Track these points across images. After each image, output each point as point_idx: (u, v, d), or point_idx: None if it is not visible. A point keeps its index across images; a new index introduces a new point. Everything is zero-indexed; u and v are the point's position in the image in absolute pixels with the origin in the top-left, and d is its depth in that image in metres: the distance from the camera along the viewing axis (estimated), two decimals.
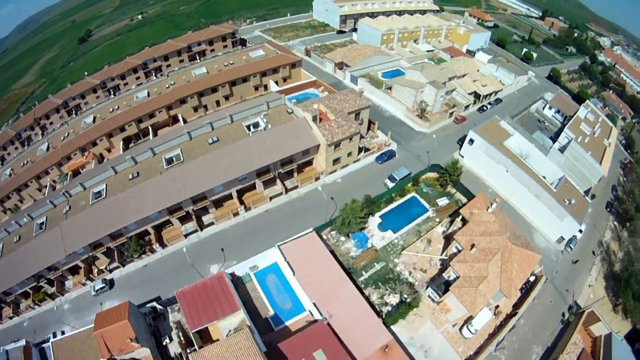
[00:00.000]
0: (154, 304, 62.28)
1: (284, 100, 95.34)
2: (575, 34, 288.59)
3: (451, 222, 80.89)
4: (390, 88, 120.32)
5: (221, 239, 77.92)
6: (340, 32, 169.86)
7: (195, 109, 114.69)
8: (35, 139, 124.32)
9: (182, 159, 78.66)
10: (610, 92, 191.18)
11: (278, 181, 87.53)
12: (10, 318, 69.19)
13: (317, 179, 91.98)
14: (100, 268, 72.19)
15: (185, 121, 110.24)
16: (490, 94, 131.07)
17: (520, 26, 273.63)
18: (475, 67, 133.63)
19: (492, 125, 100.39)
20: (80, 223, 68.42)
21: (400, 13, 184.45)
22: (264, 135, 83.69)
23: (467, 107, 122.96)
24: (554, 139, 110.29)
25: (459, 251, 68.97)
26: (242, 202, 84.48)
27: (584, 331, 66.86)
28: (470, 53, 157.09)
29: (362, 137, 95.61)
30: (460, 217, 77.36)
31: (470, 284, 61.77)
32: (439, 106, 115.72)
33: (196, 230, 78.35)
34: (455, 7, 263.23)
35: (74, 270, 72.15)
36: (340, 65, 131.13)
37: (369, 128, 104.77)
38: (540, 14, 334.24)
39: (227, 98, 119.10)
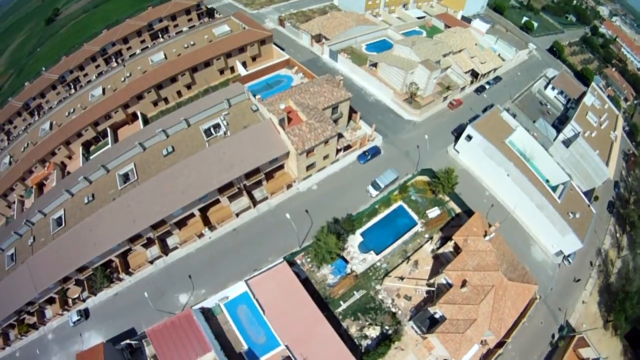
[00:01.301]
0: (128, 340, 58.52)
1: (247, 95, 79.09)
2: (575, 1, 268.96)
3: (442, 240, 69.22)
4: (375, 65, 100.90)
5: (188, 263, 68.84)
6: None
7: (155, 103, 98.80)
8: (1, 145, 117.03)
9: (136, 176, 69.96)
10: (613, 69, 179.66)
11: (244, 194, 72.93)
12: (3, 349, 67.41)
13: (289, 186, 76.32)
14: (74, 297, 68.66)
15: (145, 118, 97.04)
16: (489, 72, 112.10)
17: None
18: (474, 40, 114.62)
19: (492, 118, 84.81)
20: (45, 258, 64.51)
21: None
22: (224, 145, 70.37)
23: (463, 88, 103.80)
24: (558, 126, 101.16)
25: (448, 285, 60.61)
26: (206, 220, 72.15)
27: (573, 353, 63.10)
28: (466, 20, 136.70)
29: (340, 136, 77.58)
30: (453, 242, 64.31)
31: (456, 328, 53.95)
32: (431, 88, 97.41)
33: (161, 256, 69.43)
34: None
35: (51, 300, 68.56)
36: (318, 38, 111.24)
37: (349, 119, 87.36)
38: None
39: (189, 87, 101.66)
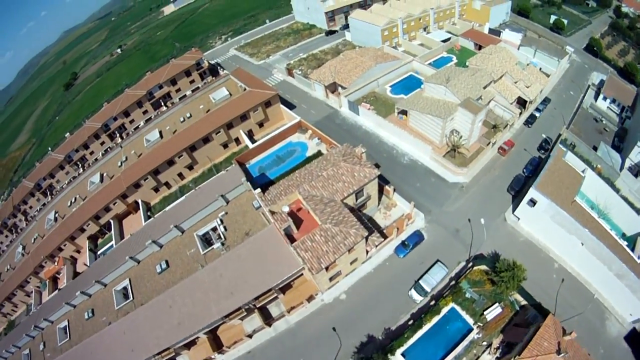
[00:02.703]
0: None
1: (246, 186, 58.04)
2: None
3: (504, 347, 45.48)
4: (405, 112, 75.88)
5: None
6: (330, 32, 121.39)
7: (156, 189, 79.25)
8: (20, 224, 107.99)
9: (131, 296, 59.00)
10: None
11: (256, 312, 51.16)
12: None
13: (310, 298, 52.86)
14: None
15: (147, 206, 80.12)
16: (537, 96, 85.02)
17: None
18: (513, 59, 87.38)
19: (556, 167, 59.52)
20: None
21: None
22: (221, 264, 51.88)
23: (511, 124, 77.66)
24: (619, 145, 79.01)
25: None
26: (215, 339, 52.34)
27: None
28: (494, 33, 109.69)
29: (370, 232, 53.27)
30: None
31: None
32: (477, 134, 71.44)
33: None
34: None
35: None
36: (333, 87, 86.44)
37: (381, 193, 62.77)
38: None
39: (190, 167, 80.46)
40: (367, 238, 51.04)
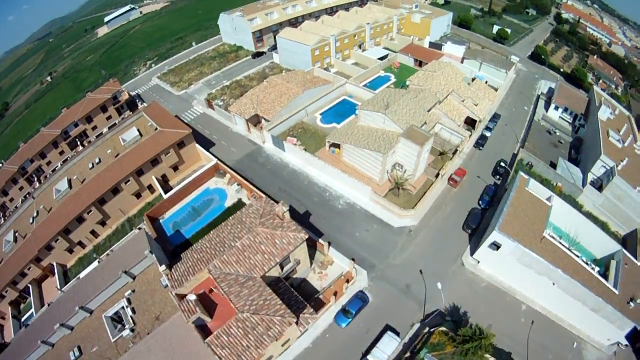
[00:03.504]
0: None
1: (151, 259, 46.71)
2: None
3: None
4: (337, 146, 63.55)
5: None
6: (257, 54, 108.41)
7: (70, 251, 64.71)
8: None
9: None
10: (595, 57, 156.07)
11: None
12: None
13: None
14: None
15: (64, 269, 65.09)
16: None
17: None
18: (459, 75, 78.26)
19: (519, 199, 50.52)
20: None
21: (332, 11, 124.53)
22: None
23: (459, 149, 67.22)
24: (576, 158, 74.13)
25: None
26: None
27: None
28: (436, 47, 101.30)
29: (301, 312, 39.86)
30: None
31: None
32: (423, 167, 60.15)
33: None
34: None
35: None
36: (256, 120, 73.21)
37: (313, 254, 49.99)
38: None
39: (103, 223, 66.09)
40: (297, 322, 37.88)
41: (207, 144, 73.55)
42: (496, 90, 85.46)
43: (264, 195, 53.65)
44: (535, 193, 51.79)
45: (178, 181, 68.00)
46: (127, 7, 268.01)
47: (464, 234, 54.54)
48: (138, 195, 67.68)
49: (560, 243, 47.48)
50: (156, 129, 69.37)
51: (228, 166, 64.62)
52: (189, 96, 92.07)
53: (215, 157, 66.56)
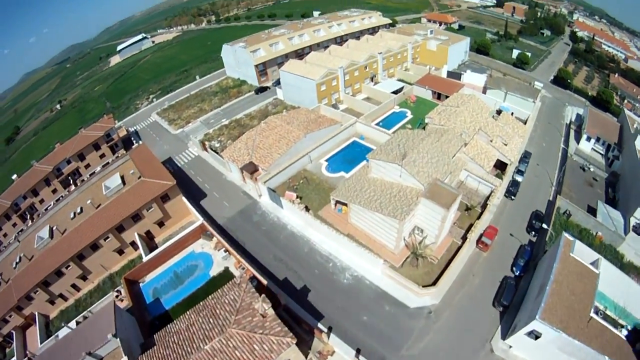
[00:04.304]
0: None
1: (116, 343, 38.34)
2: (539, 14, 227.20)
3: None
4: (344, 204, 52.91)
5: None
6: (261, 90, 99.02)
7: (52, 302, 58.49)
8: None
9: None
10: (616, 75, 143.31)
11: None
12: None
13: None
14: None
15: (47, 320, 57.81)
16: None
17: (484, 20, 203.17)
18: (485, 109, 67.65)
19: (564, 271, 38.88)
20: None
21: (341, 40, 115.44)
22: None
23: (489, 198, 55.98)
24: (613, 196, 62.94)
25: None
26: None
27: None
28: (455, 77, 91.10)
29: None
30: None
31: None
32: (447, 229, 49.01)
33: None
34: (406, 16, 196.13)
35: None
36: (251, 168, 62.99)
37: (310, 343, 39.73)
38: (495, 1, 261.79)
39: (84, 278, 58.65)
40: None
41: (198, 195, 64.41)
42: (525, 123, 74.73)
43: (251, 270, 43.59)
44: (581, 260, 40.39)
45: (164, 239, 59.34)
46: (139, 37, 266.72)
47: (494, 312, 43.37)
48: (120, 251, 59.26)
49: (607, 316, 37.17)
50: (139, 177, 60.58)
51: (216, 227, 54.86)
52: (186, 136, 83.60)
53: (204, 213, 57.02)
